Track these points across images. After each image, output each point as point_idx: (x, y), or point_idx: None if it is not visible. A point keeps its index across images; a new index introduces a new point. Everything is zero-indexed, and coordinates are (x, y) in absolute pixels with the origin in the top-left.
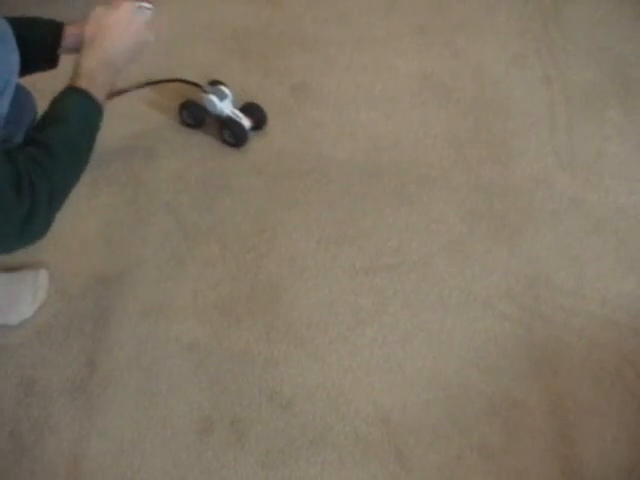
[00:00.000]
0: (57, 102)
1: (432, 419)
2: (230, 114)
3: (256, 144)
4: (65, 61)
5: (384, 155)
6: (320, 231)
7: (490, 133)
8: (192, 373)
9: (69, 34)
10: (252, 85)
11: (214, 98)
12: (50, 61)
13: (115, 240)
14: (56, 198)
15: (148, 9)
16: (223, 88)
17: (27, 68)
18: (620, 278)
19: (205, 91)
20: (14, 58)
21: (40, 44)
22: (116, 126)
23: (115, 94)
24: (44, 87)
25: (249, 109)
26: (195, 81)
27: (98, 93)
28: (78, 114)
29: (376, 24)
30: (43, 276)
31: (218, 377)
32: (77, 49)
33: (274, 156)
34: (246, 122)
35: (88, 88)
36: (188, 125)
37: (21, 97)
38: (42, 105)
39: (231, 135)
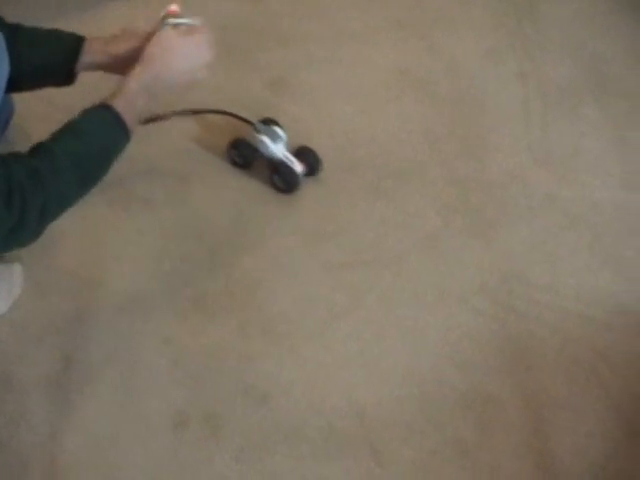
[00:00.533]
0: (84, 114)
1: (406, 414)
2: (282, 158)
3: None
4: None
5: (360, 149)
6: (296, 226)
7: (465, 128)
8: (168, 368)
9: (90, 50)
10: (231, 81)
11: (267, 139)
12: (66, 77)
13: (90, 235)
14: (49, 211)
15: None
16: (277, 129)
17: (39, 81)
18: (595, 273)
19: (258, 130)
20: (4, 69)
21: (54, 58)
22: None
23: (152, 120)
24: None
25: (302, 153)
26: (247, 118)
27: (132, 117)
28: (101, 134)
29: (354, 18)
30: (17, 271)
31: (193, 372)
32: (98, 66)
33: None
34: (298, 167)
35: (123, 110)
36: (236, 164)
37: None
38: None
39: (281, 180)
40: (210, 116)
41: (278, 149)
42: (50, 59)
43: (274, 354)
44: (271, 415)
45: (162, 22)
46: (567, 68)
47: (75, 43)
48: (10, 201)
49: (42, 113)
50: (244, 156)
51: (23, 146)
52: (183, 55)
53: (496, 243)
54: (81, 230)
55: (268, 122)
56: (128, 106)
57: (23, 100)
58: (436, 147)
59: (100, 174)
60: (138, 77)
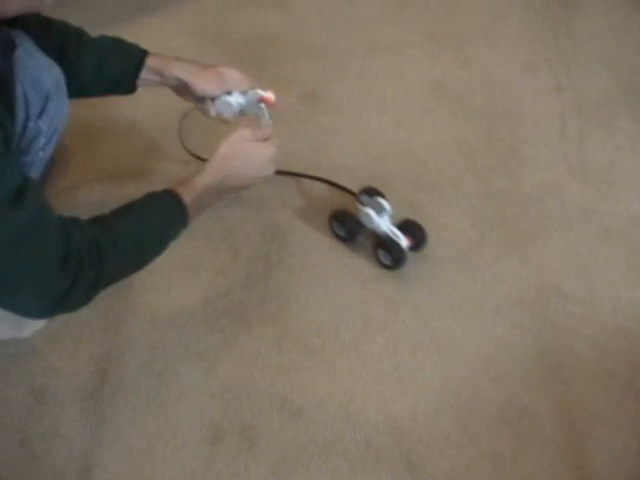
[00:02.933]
0: (153, 199)
1: (442, 427)
2: (388, 232)
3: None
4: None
5: (394, 162)
6: (331, 239)
7: (501, 141)
8: (202, 381)
9: (163, 62)
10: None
11: (372, 212)
12: (128, 89)
13: None
14: (101, 284)
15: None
16: (382, 201)
17: (102, 92)
18: (631, 287)
19: (362, 202)
20: (66, 105)
21: (117, 72)
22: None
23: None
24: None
25: (408, 227)
26: (349, 188)
27: (195, 211)
28: (165, 222)
29: (386, 32)
30: None
31: (228, 385)
32: (156, 83)
33: (284, 163)
34: (404, 242)
35: (190, 203)
36: (338, 237)
37: None
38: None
39: (387, 256)
40: (308, 181)
41: (383, 222)
42: (113, 73)
43: (309, 367)
44: (306, 429)
45: (250, 98)
46: (603, 81)
47: (138, 57)
48: (65, 268)
49: (76, 125)
50: (347, 229)
51: (61, 158)
52: (255, 165)
53: (532, 256)
54: None
55: (371, 192)
56: (196, 200)
57: None
58: (471, 160)
59: (154, 257)
60: (212, 175)
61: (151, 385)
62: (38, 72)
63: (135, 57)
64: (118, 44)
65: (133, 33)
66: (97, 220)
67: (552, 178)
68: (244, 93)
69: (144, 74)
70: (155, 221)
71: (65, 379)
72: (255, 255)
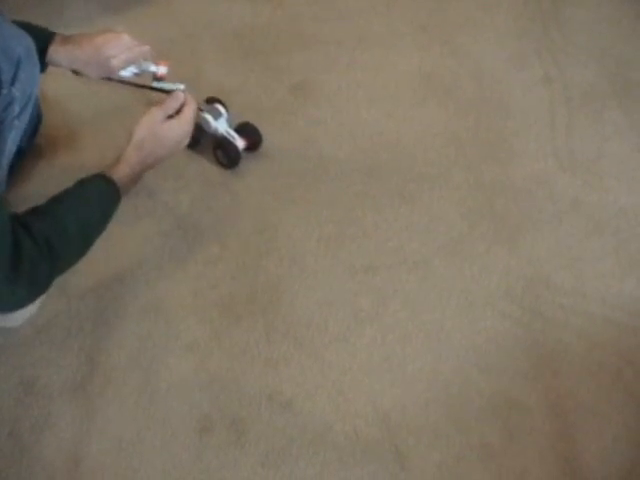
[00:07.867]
0: (88, 184)
1: (432, 419)
2: (224, 134)
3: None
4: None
5: (384, 154)
6: (320, 230)
7: (490, 132)
8: (192, 372)
9: (56, 50)
10: (252, 84)
11: (209, 117)
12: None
13: (114, 239)
14: (53, 277)
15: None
16: (218, 106)
17: None
18: (620, 278)
19: (200, 109)
20: (37, 71)
21: None
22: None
23: (109, 79)
24: None
25: (244, 129)
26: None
27: (125, 187)
28: (103, 205)
29: (376, 22)
30: None
31: (218, 376)
32: (63, 66)
33: (274, 155)
34: (240, 143)
35: (120, 181)
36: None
37: None
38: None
39: (224, 156)
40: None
41: (220, 125)
42: None
43: (298, 359)
44: (296, 420)
45: (144, 70)
46: (592, 72)
47: (45, 38)
48: (18, 274)
49: (62, 121)
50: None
51: (49, 150)
52: (171, 143)
53: (521, 248)
54: (105, 234)
55: (211, 100)
56: (123, 183)
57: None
58: (461, 151)
59: (97, 238)
60: (129, 162)
61: (140, 376)
62: (7, 39)
63: (43, 35)
64: (25, 26)
65: (122, 24)
66: (41, 213)
67: (541, 170)
68: (138, 66)
69: (55, 58)
70: (95, 204)
71: (55, 370)
72: (244, 246)
